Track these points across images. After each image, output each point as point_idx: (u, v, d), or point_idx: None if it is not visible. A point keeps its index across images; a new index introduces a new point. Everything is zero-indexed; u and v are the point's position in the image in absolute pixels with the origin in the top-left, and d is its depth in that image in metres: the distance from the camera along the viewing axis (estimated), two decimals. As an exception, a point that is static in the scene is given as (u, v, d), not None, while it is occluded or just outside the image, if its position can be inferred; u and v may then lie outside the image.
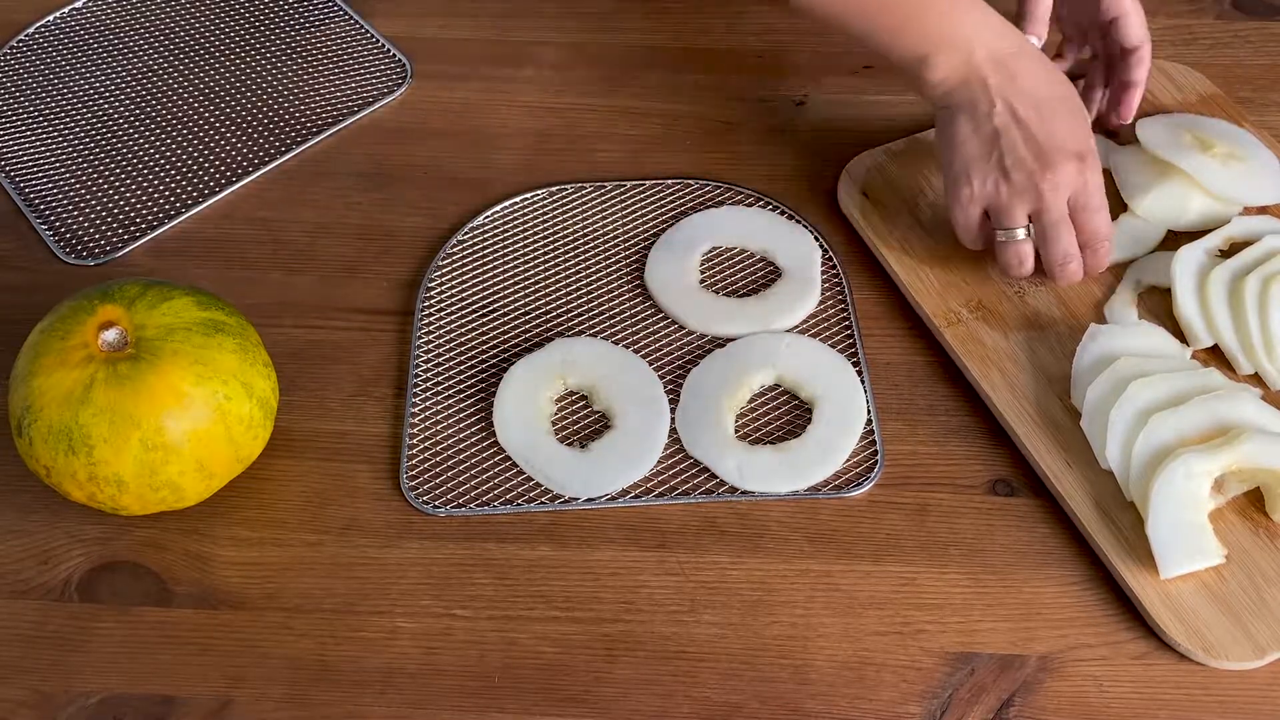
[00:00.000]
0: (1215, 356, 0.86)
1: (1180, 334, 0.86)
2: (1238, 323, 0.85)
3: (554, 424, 0.85)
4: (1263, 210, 0.92)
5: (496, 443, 0.84)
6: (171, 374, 0.75)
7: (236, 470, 0.80)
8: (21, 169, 1.01)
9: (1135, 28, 0.91)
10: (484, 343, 0.89)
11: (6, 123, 1.05)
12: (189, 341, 0.76)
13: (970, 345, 0.87)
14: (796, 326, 0.89)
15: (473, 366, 0.88)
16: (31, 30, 1.11)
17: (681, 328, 0.90)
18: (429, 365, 0.88)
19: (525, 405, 0.84)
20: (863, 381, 0.86)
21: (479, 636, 0.76)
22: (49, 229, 0.97)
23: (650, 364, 0.87)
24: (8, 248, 0.96)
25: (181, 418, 0.74)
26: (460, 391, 0.87)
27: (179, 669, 0.76)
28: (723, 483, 0.82)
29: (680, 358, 0.88)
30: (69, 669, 0.76)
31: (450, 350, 0.89)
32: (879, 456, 0.82)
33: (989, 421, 0.84)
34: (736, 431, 0.84)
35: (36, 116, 1.05)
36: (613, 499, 0.81)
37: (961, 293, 0.90)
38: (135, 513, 0.78)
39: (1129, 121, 0.94)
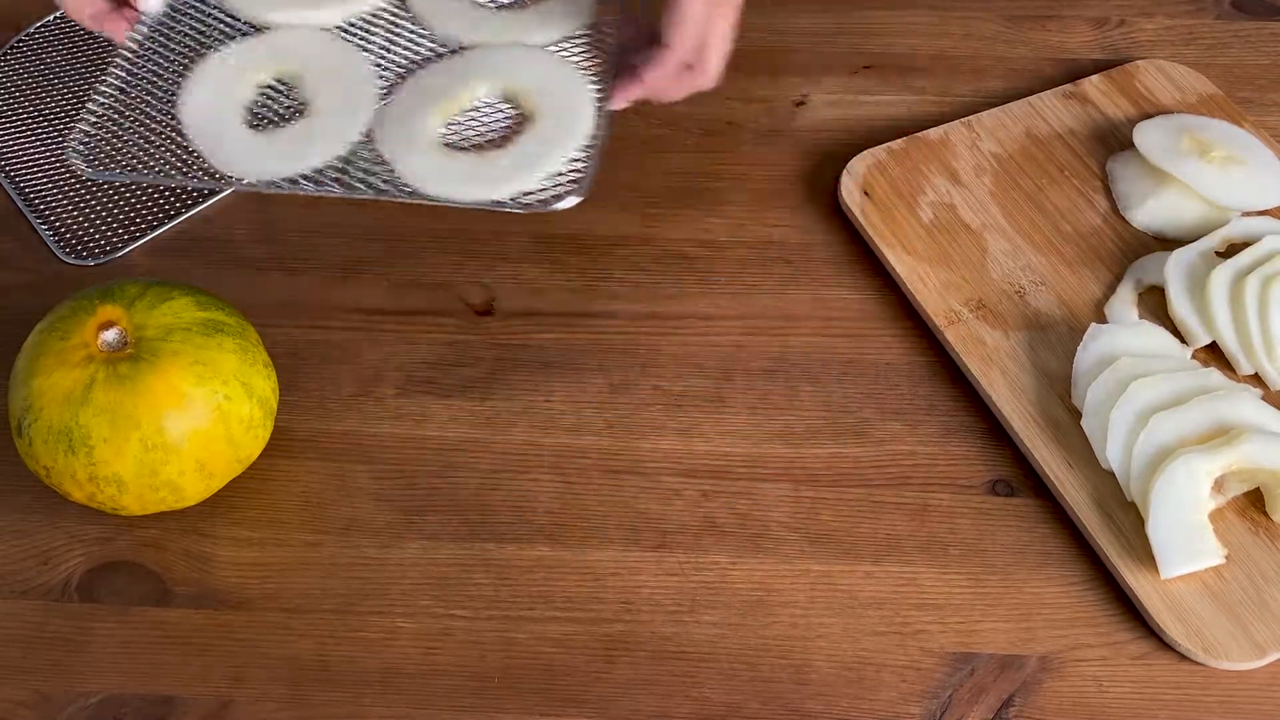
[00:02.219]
0: (1215, 356, 0.86)
1: (1180, 334, 0.86)
2: (1238, 323, 0.85)
3: (251, 111, 0.79)
4: (1263, 212, 0.92)
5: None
6: (171, 374, 0.75)
7: (236, 470, 0.80)
8: (21, 169, 1.01)
9: (681, 29, 0.75)
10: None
11: (6, 123, 1.04)
12: (189, 342, 0.76)
13: (970, 345, 0.87)
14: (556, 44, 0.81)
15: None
16: (31, 30, 1.11)
17: (428, 34, 0.83)
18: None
19: (221, 86, 0.78)
20: (600, 106, 0.78)
21: (479, 637, 0.76)
22: (49, 229, 0.97)
23: (379, 67, 0.81)
24: (8, 248, 0.96)
25: (181, 418, 0.74)
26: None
27: (179, 669, 0.76)
28: (403, 183, 0.74)
29: (415, 64, 0.82)
30: (69, 669, 0.76)
31: None
32: (586, 175, 0.75)
33: (989, 421, 0.84)
34: (443, 140, 0.78)
35: (36, 116, 1.05)
36: (280, 187, 0.75)
37: (961, 293, 0.90)
38: (135, 513, 0.78)
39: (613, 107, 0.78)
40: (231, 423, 0.76)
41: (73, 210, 0.98)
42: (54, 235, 0.97)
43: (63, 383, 0.74)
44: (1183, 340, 0.86)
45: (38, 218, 0.98)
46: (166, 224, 0.97)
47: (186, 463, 0.75)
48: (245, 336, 0.79)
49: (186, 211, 0.98)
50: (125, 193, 0.99)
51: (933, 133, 0.99)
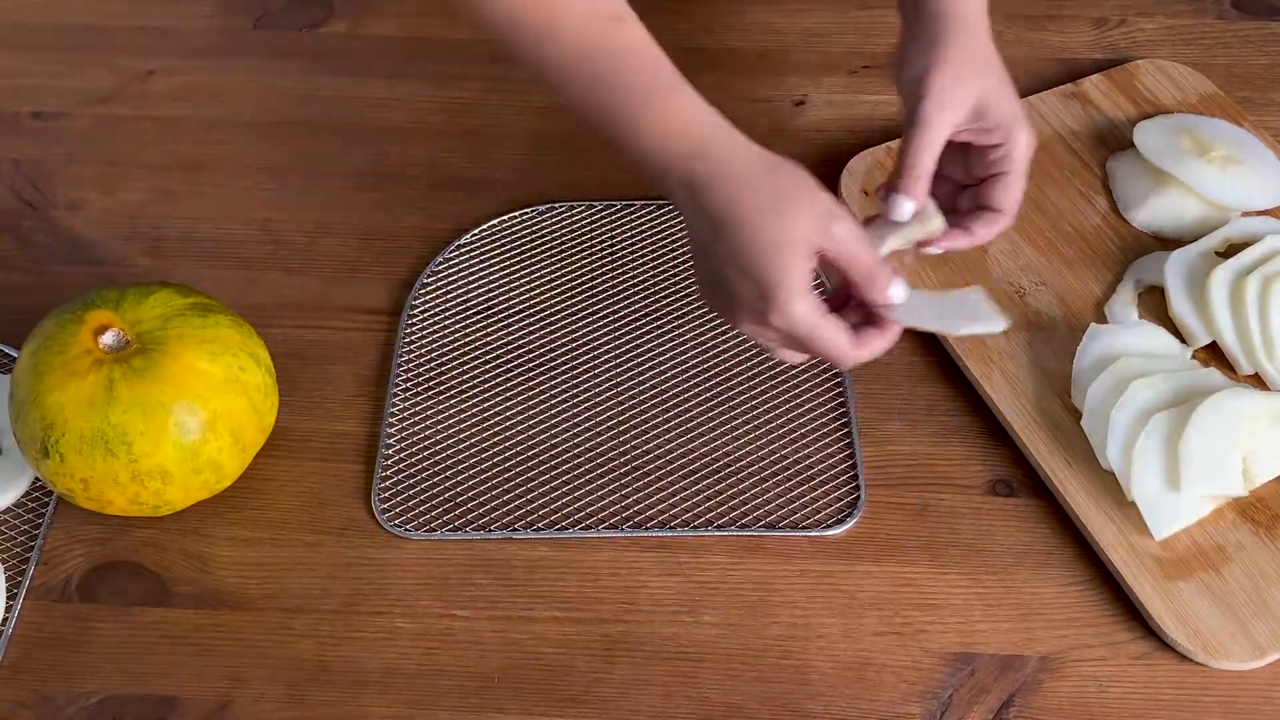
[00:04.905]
0: (1215, 356, 0.86)
1: (1180, 334, 0.86)
2: (1238, 323, 0.85)
3: None
4: (1263, 212, 0.92)
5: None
6: (185, 356, 0.75)
7: (261, 440, 0.80)
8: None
9: (1010, 197, 0.78)
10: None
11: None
12: (189, 324, 0.77)
13: (970, 345, 0.87)
14: None
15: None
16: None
17: None
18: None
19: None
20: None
21: (479, 637, 0.76)
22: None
23: None
24: (8, 248, 0.96)
25: (208, 394, 0.75)
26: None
27: (179, 669, 0.76)
28: None
29: None
30: (69, 669, 0.76)
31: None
32: None
33: (989, 421, 0.84)
34: None
35: (36, 116, 1.05)
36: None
37: (961, 293, 0.90)
38: (178, 506, 0.78)
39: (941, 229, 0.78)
40: (251, 391, 0.77)
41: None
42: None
43: (80, 391, 0.74)
44: (1183, 340, 0.86)
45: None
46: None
47: (223, 438, 0.76)
48: (231, 314, 0.80)
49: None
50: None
51: (933, 133, 0.99)
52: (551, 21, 0.72)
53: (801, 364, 0.80)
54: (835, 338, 0.71)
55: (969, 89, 0.75)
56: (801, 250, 0.70)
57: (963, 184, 0.80)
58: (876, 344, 0.74)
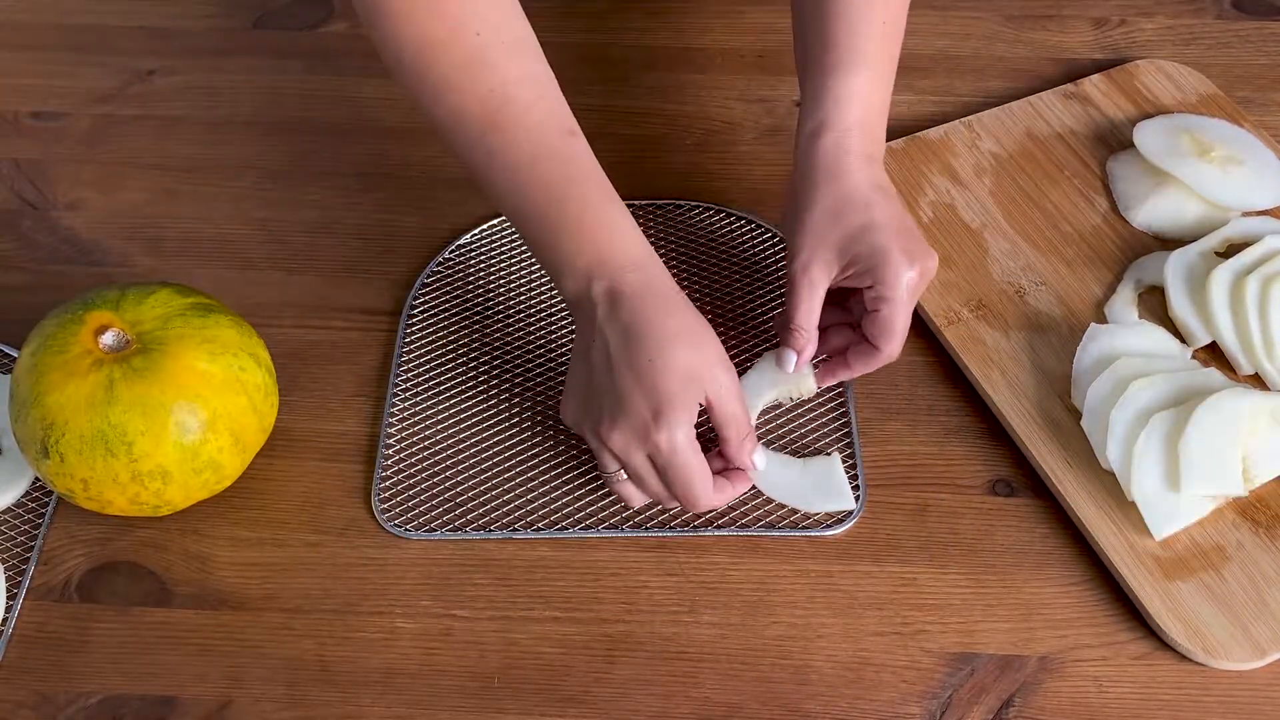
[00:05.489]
0: (1215, 356, 0.86)
1: (1180, 334, 0.86)
2: (1238, 323, 0.85)
3: None
4: (1263, 212, 0.92)
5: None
6: (185, 355, 0.75)
7: (261, 440, 0.80)
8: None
9: (885, 334, 0.80)
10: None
11: None
12: (189, 324, 0.76)
13: (970, 345, 0.87)
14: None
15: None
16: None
17: None
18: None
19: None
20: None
21: (479, 637, 0.76)
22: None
23: None
24: (8, 248, 0.96)
25: (208, 395, 0.75)
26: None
27: (179, 669, 0.76)
28: None
29: None
30: (69, 669, 0.76)
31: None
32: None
33: (989, 421, 0.84)
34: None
35: (36, 116, 1.05)
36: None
37: (961, 293, 0.90)
38: (178, 506, 0.78)
39: (813, 390, 0.84)
40: (251, 391, 0.77)
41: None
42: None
43: (80, 391, 0.73)
44: (1183, 340, 0.86)
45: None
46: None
47: (223, 438, 0.76)
48: (232, 314, 0.80)
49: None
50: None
51: (933, 132, 0.99)
52: (508, 123, 0.77)
53: (636, 506, 0.80)
54: (704, 473, 0.76)
55: (831, 244, 0.79)
56: (697, 385, 0.75)
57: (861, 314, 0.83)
58: (727, 493, 0.79)
